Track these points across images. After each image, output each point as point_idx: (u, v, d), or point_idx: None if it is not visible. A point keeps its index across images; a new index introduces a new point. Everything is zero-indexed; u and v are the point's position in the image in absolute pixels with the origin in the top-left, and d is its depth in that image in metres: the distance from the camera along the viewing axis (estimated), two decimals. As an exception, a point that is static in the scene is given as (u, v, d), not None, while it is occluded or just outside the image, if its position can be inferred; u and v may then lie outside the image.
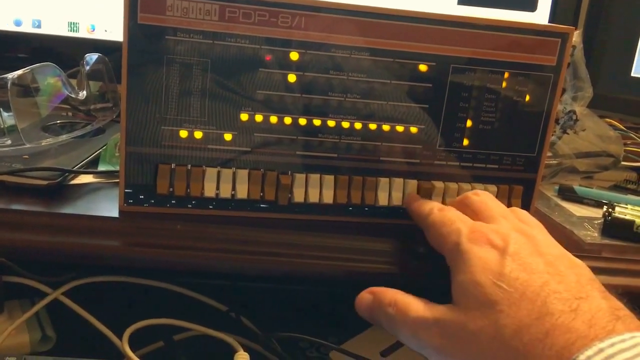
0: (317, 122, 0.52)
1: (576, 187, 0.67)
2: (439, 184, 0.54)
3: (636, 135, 0.83)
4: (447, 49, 0.52)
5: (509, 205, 0.56)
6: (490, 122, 0.54)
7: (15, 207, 0.49)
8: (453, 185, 0.55)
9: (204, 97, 0.49)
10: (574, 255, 0.44)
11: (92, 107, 0.67)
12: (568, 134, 0.71)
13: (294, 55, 0.50)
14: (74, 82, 0.65)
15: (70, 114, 0.67)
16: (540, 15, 0.77)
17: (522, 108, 0.54)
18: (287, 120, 0.51)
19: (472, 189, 0.55)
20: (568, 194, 0.67)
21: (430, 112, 0.53)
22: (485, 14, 0.77)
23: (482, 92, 0.53)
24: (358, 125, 0.52)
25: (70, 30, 0.72)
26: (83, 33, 0.72)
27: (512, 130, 0.55)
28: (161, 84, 0.48)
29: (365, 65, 0.51)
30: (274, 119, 0.51)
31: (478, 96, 0.53)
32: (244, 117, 0.51)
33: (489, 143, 0.55)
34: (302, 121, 0.52)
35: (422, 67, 0.52)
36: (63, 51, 0.74)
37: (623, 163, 0.75)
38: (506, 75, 0.53)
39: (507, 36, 0.52)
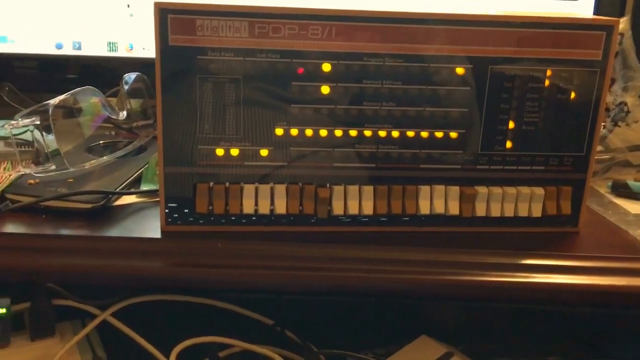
0: (353, 132, 0.51)
1: (630, 182, 0.64)
2: (482, 189, 0.53)
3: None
4: (484, 49, 0.50)
5: (558, 208, 0.54)
6: (534, 123, 0.52)
7: (62, 232, 0.50)
8: (497, 190, 0.53)
9: (239, 114, 0.49)
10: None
11: (133, 124, 0.68)
12: (619, 126, 0.68)
13: (326, 67, 0.49)
14: (114, 101, 0.66)
15: (112, 133, 0.69)
16: (584, 3, 0.74)
17: (568, 106, 0.52)
18: (323, 132, 0.51)
19: (517, 193, 0.53)
20: (622, 190, 0.64)
21: (470, 115, 0.51)
22: (527, 5, 0.74)
23: (524, 91, 0.51)
24: (395, 134, 0.51)
25: (110, 50, 0.73)
26: (122, 52, 0.74)
27: (558, 130, 0.53)
28: (195, 103, 0.49)
29: (399, 71, 0.50)
30: (309, 132, 0.50)
31: (520, 96, 0.51)
32: (279, 131, 0.50)
33: (533, 144, 0.53)
34: (338, 132, 0.51)
35: (459, 70, 0.50)
36: (103, 71, 0.75)
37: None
38: (549, 72, 0.51)
39: (548, 32, 0.50)
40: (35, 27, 0.73)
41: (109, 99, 0.66)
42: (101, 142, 0.66)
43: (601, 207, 0.61)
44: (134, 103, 0.68)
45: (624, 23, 0.69)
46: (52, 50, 0.73)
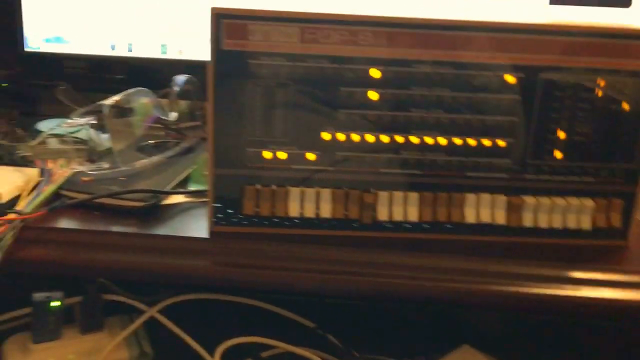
0: (399, 138, 0.51)
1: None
2: (530, 199, 0.52)
3: None
4: (535, 58, 0.49)
5: (607, 220, 0.53)
6: (585, 133, 0.51)
7: (114, 228, 0.52)
8: (545, 200, 0.52)
9: (287, 119, 0.50)
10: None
11: (182, 125, 0.69)
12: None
13: (375, 73, 0.49)
14: (165, 102, 0.68)
15: (162, 133, 0.70)
16: (636, 11, 0.72)
17: (620, 116, 0.51)
18: (370, 137, 0.51)
19: (566, 204, 0.52)
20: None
21: (519, 124, 0.51)
22: (577, 13, 0.73)
23: (576, 101, 0.51)
24: (442, 141, 0.51)
25: (162, 52, 0.75)
26: (173, 54, 0.75)
27: (610, 141, 0.52)
28: (245, 107, 0.49)
29: (448, 79, 0.50)
30: (356, 137, 0.51)
31: (571, 106, 0.51)
32: (326, 136, 0.51)
33: (584, 155, 0.52)
34: (385, 138, 0.51)
35: (509, 78, 0.50)
36: (154, 72, 0.77)
37: None
38: (601, 82, 0.50)
39: (600, 41, 0.49)
40: (89, 29, 0.75)
41: (160, 99, 0.67)
42: (151, 141, 0.68)
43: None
44: (183, 104, 0.70)
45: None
46: (106, 51, 0.76)
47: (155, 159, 0.63)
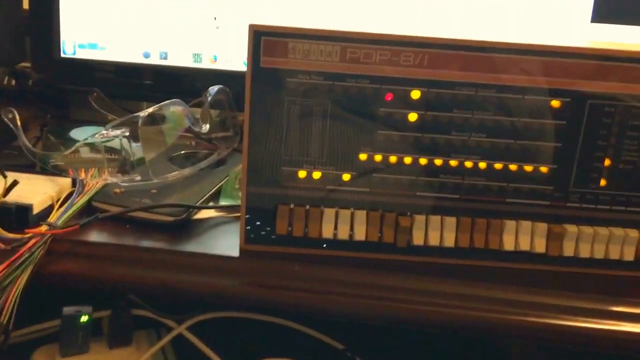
0: (438, 161, 0.50)
1: None
2: (572, 228, 0.50)
3: None
4: (583, 83, 0.48)
5: (652, 252, 0.51)
6: (633, 162, 0.49)
7: (144, 243, 0.51)
8: (588, 230, 0.50)
9: (324, 138, 0.49)
10: None
11: (214, 135, 0.69)
12: None
13: (416, 94, 0.48)
14: (197, 112, 0.67)
15: (192, 142, 0.70)
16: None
17: (670, 145, 0.49)
18: (407, 160, 0.50)
19: (609, 234, 0.50)
20: None
21: (564, 150, 0.49)
22: (621, 32, 0.71)
23: (624, 128, 0.49)
24: (482, 165, 0.50)
25: (195, 61, 0.75)
26: (206, 64, 0.75)
27: (658, 170, 0.50)
28: (282, 125, 0.49)
29: (491, 102, 0.48)
30: (393, 159, 0.50)
31: (619, 133, 0.49)
32: (363, 157, 0.50)
33: (630, 184, 0.50)
34: (423, 161, 0.50)
35: (555, 104, 0.48)
36: (188, 80, 0.76)
37: None
38: (651, 110, 0.48)
39: (653, 68, 0.47)
40: (124, 36, 0.75)
41: (192, 109, 0.67)
42: (182, 152, 0.68)
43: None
44: (215, 114, 0.69)
45: None
46: (140, 59, 0.75)
47: (186, 171, 0.62)
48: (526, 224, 0.50)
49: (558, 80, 0.48)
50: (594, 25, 0.71)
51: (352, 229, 0.50)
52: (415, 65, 0.47)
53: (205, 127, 0.65)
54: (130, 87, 0.80)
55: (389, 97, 0.48)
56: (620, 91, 0.48)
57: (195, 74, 0.75)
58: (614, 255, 0.51)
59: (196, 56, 0.75)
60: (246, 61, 0.47)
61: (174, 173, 0.61)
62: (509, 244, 0.51)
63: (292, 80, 0.48)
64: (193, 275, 0.50)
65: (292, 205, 0.50)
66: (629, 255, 0.51)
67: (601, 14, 0.69)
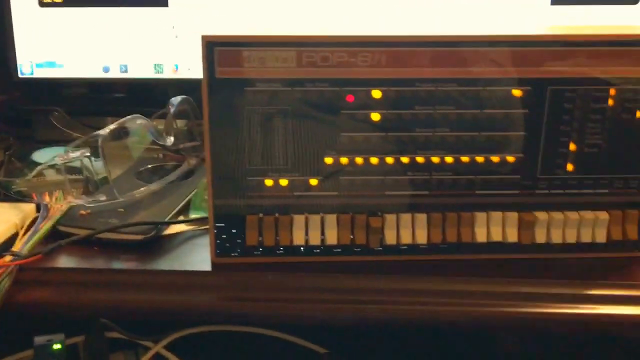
0: (405, 159, 0.49)
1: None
2: (542, 215, 0.50)
3: None
4: (542, 70, 0.48)
5: (623, 232, 0.51)
6: (597, 144, 0.49)
7: (114, 265, 0.50)
8: (558, 216, 0.50)
9: (287, 144, 0.48)
10: None
11: (181, 146, 0.68)
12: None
13: (377, 94, 0.48)
14: (161, 123, 0.66)
15: (160, 155, 0.69)
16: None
17: (632, 126, 0.49)
18: (374, 160, 0.49)
19: (580, 218, 0.50)
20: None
21: (528, 139, 0.49)
22: (581, 13, 0.71)
23: (586, 112, 0.49)
24: (449, 160, 0.49)
25: (156, 72, 0.74)
26: (168, 74, 0.74)
27: (623, 151, 0.50)
28: (244, 135, 0.48)
29: (452, 96, 0.48)
30: (359, 160, 0.49)
31: (581, 117, 0.49)
32: (329, 160, 0.49)
33: (596, 166, 0.50)
34: (389, 160, 0.49)
35: (516, 93, 0.48)
36: (150, 92, 0.75)
37: None
38: (612, 91, 0.48)
39: (609, 50, 0.47)
40: (82, 52, 0.73)
41: (157, 120, 0.66)
42: (149, 166, 0.66)
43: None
44: (180, 124, 0.68)
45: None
46: (100, 74, 0.74)
47: (153, 186, 0.61)
48: (497, 215, 0.50)
49: (517, 69, 0.47)
50: (555, 8, 0.71)
51: (323, 233, 0.50)
52: (373, 65, 0.47)
53: (170, 139, 0.64)
54: (92, 103, 0.79)
55: (349, 98, 0.48)
56: (580, 75, 0.48)
57: (157, 85, 0.74)
58: (586, 238, 0.51)
59: (157, 67, 0.74)
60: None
61: (140, 189, 0.60)
62: (481, 236, 0.50)
63: (250, 89, 0.47)
64: (166, 294, 0.49)
65: (261, 215, 0.50)
66: (601, 238, 0.51)
67: (560, -4, 0.69)
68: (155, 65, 0.73)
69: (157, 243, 0.53)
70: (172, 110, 0.65)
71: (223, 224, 0.50)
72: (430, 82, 0.47)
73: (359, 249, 0.50)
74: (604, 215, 0.51)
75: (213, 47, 0.46)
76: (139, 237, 0.53)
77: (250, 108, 0.47)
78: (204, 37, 0.45)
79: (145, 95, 0.75)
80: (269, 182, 0.49)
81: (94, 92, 0.78)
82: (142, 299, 0.48)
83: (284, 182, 0.49)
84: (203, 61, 0.46)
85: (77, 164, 0.63)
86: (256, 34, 0.47)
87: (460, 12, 0.71)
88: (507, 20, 0.70)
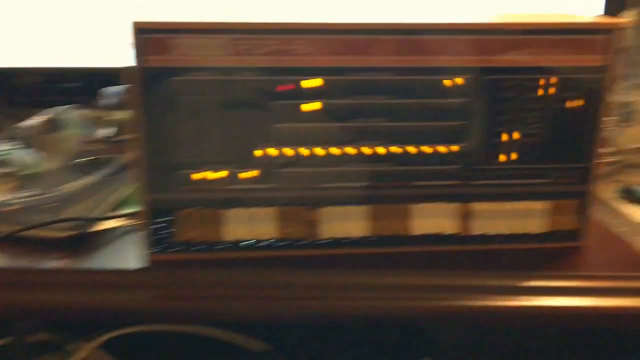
0: (341, 151, 0.48)
1: (637, 187, 0.61)
2: (481, 206, 0.50)
3: None
4: (480, 59, 0.47)
5: (562, 221, 0.51)
6: (534, 134, 0.49)
7: (42, 265, 0.48)
8: (497, 206, 0.50)
9: (220, 136, 0.47)
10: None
11: (119, 138, 0.65)
12: (627, 127, 0.64)
13: (314, 83, 0.46)
14: (94, 114, 0.64)
15: (94, 148, 0.66)
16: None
17: (570, 115, 0.49)
18: (309, 152, 0.48)
19: (518, 208, 0.50)
20: (631, 196, 0.61)
21: (467, 128, 0.48)
22: (524, 3, 0.71)
23: (523, 102, 0.48)
24: (388, 150, 0.48)
25: (98, 63, 0.71)
26: (110, 63, 0.71)
27: (560, 140, 0.50)
28: (175, 126, 0.46)
29: (391, 85, 0.47)
30: (294, 152, 0.48)
31: (518, 107, 0.48)
32: (264, 152, 0.48)
33: (535, 156, 0.50)
34: (324, 151, 0.48)
35: (456, 81, 0.47)
36: (84, 82, 0.72)
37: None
38: (550, 80, 0.48)
39: (546, 39, 0.47)
40: (24, 41, 0.70)
41: (90, 112, 0.63)
42: (85, 159, 0.64)
43: (607, 216, 0.58)
44: (118, 115, 0.66)
45: (629, 17, 0.66)
46: (31, 63, 0.71)
47: (89, 179, 0.59)
48: (435, 206, 0.50)
49: (456, 58, 0.47)
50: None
51: (257, 228, 0.49)
52: (309, 53, 0.45)
53: (105, 131, 0.62)
54: (35, 93, 0.75)
55: (284, 88, 0.46)
56: (517, 64, 0.47)
57: (91, 74, 0.71)
58: (525, 228, 0.51)
59: (100, 57, 0.71)
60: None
61: (74, 183, 0.57)
62: (419, 228, 0.50)
63: (181, 79, 0.45)
64: (97, 294, 0.47)
65: (195, 210, 0.48)
66: (540, 228, 0.51)
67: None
68: (96, 55, 0.71)
69: (88, 240, 0.51)
70: (106, 100, 0.63)
71: (156, 219, 0.48)
72: (368, 70, 0.46)
73: (295, 243, 0.49)
74: (542, 205, 0.50)
75: (143, 33, 0.44)
76: (68, 233, 0.50)
77: (180, 98, 0.45)
78: (135, 24, 0.43)
79: (78, 85, 0.73)
80: (202, 176, 0.47)
81: (36, 83, 0.75)
82: (71, 300, 0.46)
83: (218, 175, 0.48)
84: (133, 48, 0.44)
85: (6, 157, 0.60)
86: (188, 20, 0.45)
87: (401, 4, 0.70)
88: (452, 9, 0.70)
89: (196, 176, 0.47)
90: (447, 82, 0.47)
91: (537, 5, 0.71)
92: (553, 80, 0.48)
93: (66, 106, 0.59)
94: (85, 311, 0.47)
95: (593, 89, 0.48)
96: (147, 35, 0.44)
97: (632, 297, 0.47)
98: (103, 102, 0.64)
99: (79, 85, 0.74)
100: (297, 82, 0.46)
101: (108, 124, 0.62)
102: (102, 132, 0.61)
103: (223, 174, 0.47)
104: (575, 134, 0.50)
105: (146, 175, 0.47)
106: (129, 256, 0.49)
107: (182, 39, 0.44)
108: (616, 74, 0.48)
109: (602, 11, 0.73)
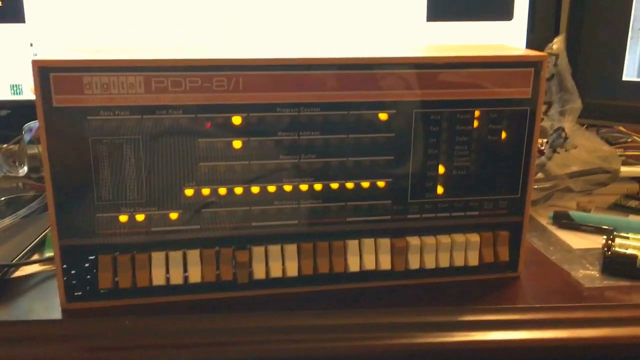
0: (271, 188, 0.47)
1: (572, 213, 0.62)
2: (414, 240, 0.49)
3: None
4: (406, 93, 0.46)
5: (495, 254, 0.50)
6: (465, 167, 0.49)
7: (-53, 317, 0.44)
8: (430, 240, 0.49)
9: (140, 177, 0.44)
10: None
11: (40, 175, 0.62)
12: (559, 152, 0.65)
13: (236, 120, 0.45)
14: (18, 151, 0.60)
15: (18, 185, 0.63)
16: (518, 23, 0.71)
17: (499, 147, 0.49)
18: (238, 190, 0.46)
19: (451, 241, 0.49)
20: (564, 222, 0.61)
21: (397, 163, 0.48)
22: (456, 29, 0.71)
23: (452, 135, 0.48)
24: (318, 187, 0.47)
25: (14, 93, 0.67)
26: (27, 95, 0.68)
27: (491, 172, 0.49)
28: (90, 168, 0.43)
29: (317, 121, 0.46)
30: (222, 191, 0.46)
31: (448, 140, 0.48)
32: (189, 192, 0.45)
33: (465, 189, 0.49)
34: (255, 189, 0.46)
35: (382, 116, 0.46)
36: (8, 115, 0.69)
37: (623, 169, 0.69)
38: (477, 113, 0.48)
39: (473, 72, 0.47)
40: None
41: (11, 147, 0.60)
42: (3, 198, 0.60)
43: (542, 243, 0.58)
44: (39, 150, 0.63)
45: (558, 43, 0.66)
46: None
47: (6, 220, 0.56)
48: (369, 242, 0.49)
49: (381, 92, 0.46)
50: (431, 24, 0.71)
51: (185, 271, 0.46)
52: (230, 90, 0.44)
53: (24, 169, 0.58)
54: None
55: (207, 126, 0.44)
56: (443, 98, 0.47)
57: (15, 107, 0.68)
58: (459, 262, 0.50)
59: (15, 87, 0.68)
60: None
61: (-10, 226, 0.54)
62: (354, 265, 0.48)
63: (94, 119, 0.43)
64: (10, 348, 0.44)
65: (115, 254, 0.45)
66: (473, 261, 0.50)
67: (435, 13, 0.69)
68: (12, 85, 0.67)
69: (5, 287, 0.48)
70: (28, 135, 0.60)
71: (72, 266, 0.45)
72: (291, 106, 0.45)
73: (225, 285, 0.47)
74: (475, 238, 0.50)
75: (48, 72, 0.41)
76: (-20, 283, 0.47)
77: (95, 139, 0.43)
78: (34, 62, 0.41)
79: (3, 118, 0.69)
80: (123, 218, 0.45)
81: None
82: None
83: (139, 217, 0.45)
84: (36, 89, 0.41)
85: None
86: (100, 57, 0.42)
87: (335, 30, 0.69)
88: (382, 38, 0.70)
89: (117, 219, 0.45)
90: (376, 117, 0.46)
91: (468, 37, 0.71)
92: (479, 113, 0.48)
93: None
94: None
95: (522, 121, 0.48)
96: (53, 73, 0.41)
97: (569, 329, 0.46)
98: (27, 136, 0.61)
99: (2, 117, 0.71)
100: (219, 119, 0.44)
101: (26, 161, 0.59)
102: (20, 171, 0.58)
103: (145, 215, 0.45)
104: (505, 165, 0.49)
105: (59, 219, 0.44)
106: (48, 304, 0.46)
107: (93, 77, 0.42)
108: (545, 101, 0.49)
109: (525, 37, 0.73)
